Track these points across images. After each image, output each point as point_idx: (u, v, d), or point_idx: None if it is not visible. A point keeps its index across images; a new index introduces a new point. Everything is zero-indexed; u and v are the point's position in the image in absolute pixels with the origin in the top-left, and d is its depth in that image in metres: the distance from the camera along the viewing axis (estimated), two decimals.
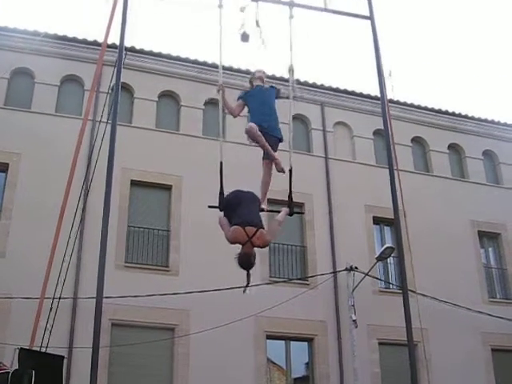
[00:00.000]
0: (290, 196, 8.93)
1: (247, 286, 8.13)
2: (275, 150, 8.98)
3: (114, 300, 16.16)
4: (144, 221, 19.47)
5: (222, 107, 9.39)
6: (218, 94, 9.39)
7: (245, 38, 10.65)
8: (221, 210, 8.42)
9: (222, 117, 9.51)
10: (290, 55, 9.81)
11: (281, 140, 9.08)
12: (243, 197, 8.40)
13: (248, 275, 8.11)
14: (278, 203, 9.14)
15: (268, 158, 8.98)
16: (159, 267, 18.90)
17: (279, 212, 8.71)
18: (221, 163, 8.76)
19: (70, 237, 10.46)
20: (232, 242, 8.00)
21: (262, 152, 9.02)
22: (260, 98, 9.12)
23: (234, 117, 9.55)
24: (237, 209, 8.16)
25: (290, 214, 8.83)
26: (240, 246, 7.92)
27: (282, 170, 8.91)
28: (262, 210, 8.57)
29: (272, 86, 9.44)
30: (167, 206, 19.94)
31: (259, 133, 8.68)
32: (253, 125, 8.70)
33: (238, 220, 7.99)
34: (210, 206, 8.67)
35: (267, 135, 8.86)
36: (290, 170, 9.01)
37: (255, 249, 7.96)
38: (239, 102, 9.33)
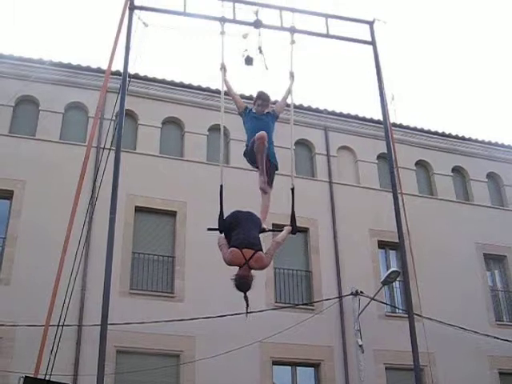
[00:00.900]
0: (292, 214, 8.92)
1: (247, 308, 8.01)
2: (271, 177, 9.02)
3: (118, 327, 16.08)
4: (149, 247, 19.44)
5: (225, 91, 9.69)
6: (220, 71, 9.71)
7: (249, 61, 10.75)
8: (220, 233, 8.35)
9: (223, 141, 9.62)
10: (291, 83, 9.91)
11: (276, 167, 9.11)
12: (242, 217, 8.30)
13: (246, 298, 7.99)
14: (281, 227, 9.10)
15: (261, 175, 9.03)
16: (164, 293, 18.84)
17: (281, 231, 8.64)
18: (221, 186, 8.80)
19: (74, 264, 10.45)
20: (229, 264, 7.89)
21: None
22: (257, 125, 9.16)
23: (238, 109, 9.57)
24: (235, 230, 8.07)
25: (294, 233, 8.81)
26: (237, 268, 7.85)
27: (263, 190, 9.01)
28: (264, 231, 8.48)
29: (269, 112, 9.46)
30: (172, 232, 19.92)
31: (267, 145, 8.67)
32: (264, 133, 8.68)
33: (235, 242, 7.89)
34: (209, 229, 8.56)
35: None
36: (292, 189, 9.05)
37: (253, 271, 7.84)
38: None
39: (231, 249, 7.84)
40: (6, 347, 16.57)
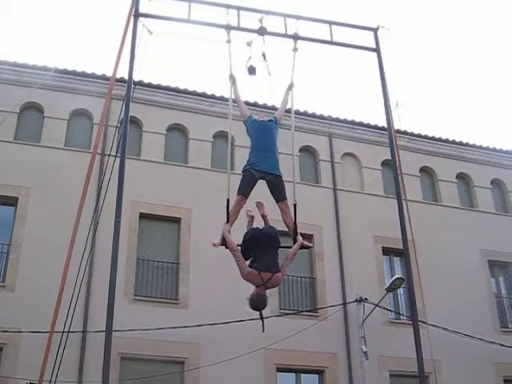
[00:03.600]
0: (295, 230, 9.01)
1: (263, 326, 8.28)
2: (278, 188, 9.06)
3: (123, 333, 16.03)
4: (153, 254, 19.45)
5: (233, 99, 9.77)
6: (229, 81, 9.81)
7: (252, 71, 10.77)
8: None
9: (230, 151, 9.64)
10: (287, 90, 9.98)
11: (279, 176, 9.15)
12: (262, 239, 8.44)
13: (261, 316, 8.32)
14: (286, 235, 9.13)
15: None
16: (168, 300, 18.84)
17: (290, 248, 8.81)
18: (227, 200, 8.94)
19: (79, 270, 10.46)
20: (245, 280, 8.20)
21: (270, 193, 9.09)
22: (261, 131, 9.26)
23: (243, 117, 9.64)
24: (254, 251, 8.29)
25: (306, 247, 9.00)
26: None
27: (280, 209, 9.03)
28: (280, 247, 8.64)
29: (271, 120, 9.52)
30: (176, 238, 19.92)
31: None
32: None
33: (254, 264, 8.16)
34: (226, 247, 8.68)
35: (265, 174, 8.98)
36: (295, 205, 9.14)
37: None
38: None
39: (250, 270, 8.13)
40: (11, 353, 16.58)
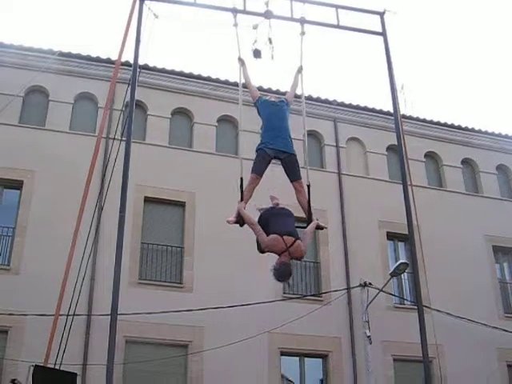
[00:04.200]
0: (309, 211, 8.96)
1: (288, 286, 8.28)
2: (293, 167, 9.01)
3: (127, 317, 16.07)
4: (158, 237, 19.49)
5: (243, 83, 9.70)
6: (238, 63, 9.76)
7: (257, 54, 10.72)
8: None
9: (241, 132, 9.68)
10: (296, 73, 9.95)
11: (294, 155, 9.09)
12: (276, 211, 8.51)
13: (288, 284, 8.30)
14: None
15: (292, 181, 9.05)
16: (173, 284, 18.89)
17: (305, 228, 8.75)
18: (241, 179, 8.83)
19: (84, 254, 10.49)
20: (267, 250, 8.02)
21: (284, 172, 9.08)
22: (274, 111, 9.21)
23: (253, 99, 9.60)
24: (272, 219, 8.19)
25: (321, 228, 9.04)
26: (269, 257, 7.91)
27: (295, 188, 9.00)
28: (296, 227, 8.53)
29: (282, 100, 9.48)
30: (181, 222, 19.96)
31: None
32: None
33: (275, 229, 8.01)
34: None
35: (279, 152, 8.91)
36: (308, 186, 9.07)
37: None
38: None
39: (272, 235, 7.93)
40: (16, 336, 16.68)
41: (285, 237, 7.89)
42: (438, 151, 24.34)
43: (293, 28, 10.78)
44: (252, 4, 10.82)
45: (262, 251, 8.17)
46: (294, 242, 7.91)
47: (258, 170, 8.82)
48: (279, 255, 7.90)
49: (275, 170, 9.30)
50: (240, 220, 8.48)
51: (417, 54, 55.11)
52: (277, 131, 8.99)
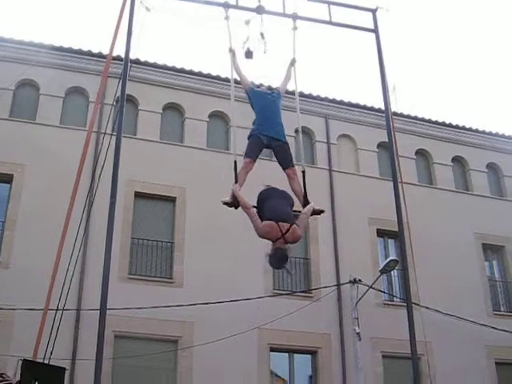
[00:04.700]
0: (305, 195, 8.95)
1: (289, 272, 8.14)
2: (285, 155, 8.99)
3: (117, 312, 16.08)
4: (148, 232, 19.46)
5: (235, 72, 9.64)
6: (229, 54, 9.70)
7: (249, 55, 10.66)
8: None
9: (233, 117, 9.57)
10: (289, 67, 9.94)
11: (286, 143, 9.07)
12: (273, 191, 8.36)
13: (288, 271, 8.24)
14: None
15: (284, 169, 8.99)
16: (163, 279, 18.89)
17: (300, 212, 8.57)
18: (235, 162, 8.74)
19: (74, 248, 10.45)
20: (263, 237, 7.87)
21: (276, 160, 9.05)
22: (265, 101, 9.18)
23: (244, 86, 9.55)
24: (267, 202, 8.07)
25: (318, 213, 8.99)
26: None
27: (288, 176, 8.99)
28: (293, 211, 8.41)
29: (273, 91, 9.44)
30: (171, 217, 19.93)
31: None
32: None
33: (270, 214, 7.86)
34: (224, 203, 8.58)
35: (272, 140, 8.88)
36: (303, 172, 9.05)
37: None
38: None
39: (267, 222, 7.79)
40: (5, 331, 16.62)
41: (280, 223, 7.74)
42: (428, 149, 24.38)
43: (285, 24, 10.76)
44: None
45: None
46: (290, 227, 7.78)
47: (251, 154, 8.76)
48: (274, 242, 7.79)
49: (262, 163, 9.26)
50: (235, 202, 8.35)
51: (409, 52, 55.20)
52: (270, 119, 8.97)
